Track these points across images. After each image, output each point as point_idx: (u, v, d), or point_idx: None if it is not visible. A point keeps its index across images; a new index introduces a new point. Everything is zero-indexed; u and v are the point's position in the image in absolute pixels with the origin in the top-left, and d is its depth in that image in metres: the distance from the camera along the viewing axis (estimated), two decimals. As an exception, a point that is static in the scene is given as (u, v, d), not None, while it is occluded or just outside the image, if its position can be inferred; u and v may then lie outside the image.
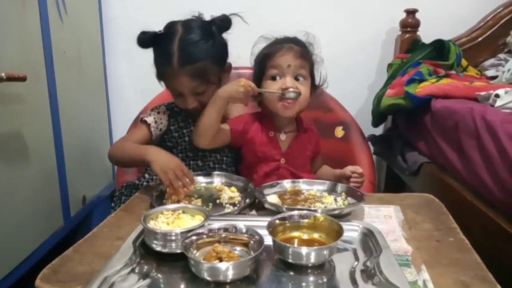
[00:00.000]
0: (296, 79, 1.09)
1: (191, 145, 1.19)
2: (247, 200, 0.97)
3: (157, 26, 1.15)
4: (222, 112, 1.09)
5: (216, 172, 1.15)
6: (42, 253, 1.31)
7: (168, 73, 1.11)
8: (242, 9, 1.16)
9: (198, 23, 1.13)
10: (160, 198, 1.00)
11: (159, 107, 1.23)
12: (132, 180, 1.29)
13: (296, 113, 1.15)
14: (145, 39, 1.12)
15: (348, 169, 1.12)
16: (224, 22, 1.15)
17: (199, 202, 0.98)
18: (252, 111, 1.21)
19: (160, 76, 1.16)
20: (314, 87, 1.16)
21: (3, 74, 1.04)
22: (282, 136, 1.15)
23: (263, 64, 1.11)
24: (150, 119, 1.19)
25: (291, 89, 1.07)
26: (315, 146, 1.22)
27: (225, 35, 1.18)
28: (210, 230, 0.74)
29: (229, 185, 1.08)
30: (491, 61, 1.75)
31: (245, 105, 1.16)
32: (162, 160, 1.02)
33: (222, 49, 1.17)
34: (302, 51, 1.10)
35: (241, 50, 1.17)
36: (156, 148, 1.09)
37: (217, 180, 1.12)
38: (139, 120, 1.22)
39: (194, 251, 0.70)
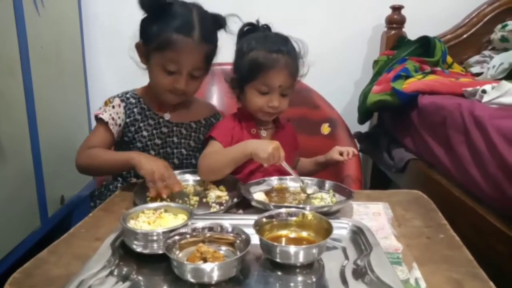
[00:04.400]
0: (282, 94, 1.08)
1: (151, 141, 1.15)
2: (235, 200, 0.94)
3: (139, 21, 1.11)
4: (239, 164, 1.03)
5: None
6: (16, 256, 1.27)
7: (180, 44, 1.04)
8: (229, 6, 1.14)
9: (207, 11, 1.12)
10: (141, 193, 0.97)
11: (113, 100, 1.15)
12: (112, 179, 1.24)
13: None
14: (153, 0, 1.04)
15: (336, 153, 1.12)
16: (224, 20, 1.13)
17: (196, 198, 0.97)
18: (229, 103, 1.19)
19: (165, 45, 1.05)
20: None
21: (-27, 67, 1.00)
22: (263, 133, 1.15)
23: (254, 72, 1.06)
24: (106, 116, 1.11)
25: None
26: (294, 141, 1.23)
27: None
28: (194, 230, 0.71)
29: (218, 184, 1.05)
30: (476, 58, 1.77)
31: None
32: (147, 161, 0.99)
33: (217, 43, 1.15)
34: (295, 66, 1.08)
35: (224, 45, 1.15)
36: (137, 152, 1.07)
37: None
38: (96, 119, 1.13)
39: (177, 252, 0.68)
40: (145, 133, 1.15)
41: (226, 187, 1.03)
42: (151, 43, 1.08)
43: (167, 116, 1.17)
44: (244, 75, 1.08)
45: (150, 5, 1.05)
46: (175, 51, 1.05)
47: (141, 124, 1.15)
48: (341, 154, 1.12)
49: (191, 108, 1.22)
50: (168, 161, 1.15)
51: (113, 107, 1.13)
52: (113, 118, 1.12)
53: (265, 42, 1.07)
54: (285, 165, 0.99)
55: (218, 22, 1.12)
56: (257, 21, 1.15)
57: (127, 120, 1.14)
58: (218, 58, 1.18)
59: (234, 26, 1.14)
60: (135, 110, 1.15)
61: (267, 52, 1.05)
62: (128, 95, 1.17)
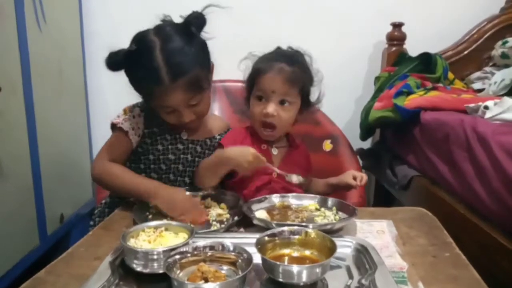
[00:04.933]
0: (282, 102, 1.06)
1: (165, 155, 1.12)
2: (236, 218, 0.93)
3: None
4: (223, 175, 1.03)
5: None
6: (15, 275, 1.25)
7: (158, 91, 0.99)
8: (230, 27, 1.13)
9: (172, 27, 1.02)
10: (141, 212, 0.96)
11: (133, 110, 1.11)
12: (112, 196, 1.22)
13: (280, 135, 1.13)
14: (118, 60, 0.99)
15: (349, 177, 1.12)
16: (200, 20, 1.02)
17: None
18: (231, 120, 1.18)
19: (147, 96, 1.04)
20: (307, 104, 1.13)
21: (-25, 85, 1.00)
22: (274, 150, 1.13)
23: (253, 79, 1.08)
24: (126, 126, 1.08)
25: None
26: (307, 162, 1.21)
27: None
28: (195, 248, 0.70)
29: (219, 201, 1.03)
30: (477, 74, 1.77)
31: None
32: (167, 196, 0.97)
33: (205, 50, 1.06)
34: (293, 73, 1.05)
35: (227, 63, 1.12)
36: (158, 184, 1.02)
37: (207, 195, 1.07)
38: (114, 127, 1.10)
39: (178, 271, 0.67)
40: (160, 147, 1.12)
41: (227, 205, 1.02)
42: (139, 94, 1.08)
43: (184, 135, 1.14)
44: (248, 85, 1.10)
45: (114, 67, 1.02)
46: (158, 100, 1.02)
47: (158, 137, 1.12)
48: (354, 178, 1.11)
49: (205, 124, 1.19)
50: (178, 179, 1.13)
51: (134, 116, 1.10)
52: (133, 128, 1.09)
53: (271, 53, 1.10)
54: (268, 165, 1.02)
55: (188, 29, 1.01)
56: (290, 47, 1.14)
57: (145, 130, 1.11)
58: (220, 75, 1.16)
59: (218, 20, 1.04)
60: (154, 122, 1.12)
61: (267, 60, 1.08)
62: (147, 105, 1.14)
